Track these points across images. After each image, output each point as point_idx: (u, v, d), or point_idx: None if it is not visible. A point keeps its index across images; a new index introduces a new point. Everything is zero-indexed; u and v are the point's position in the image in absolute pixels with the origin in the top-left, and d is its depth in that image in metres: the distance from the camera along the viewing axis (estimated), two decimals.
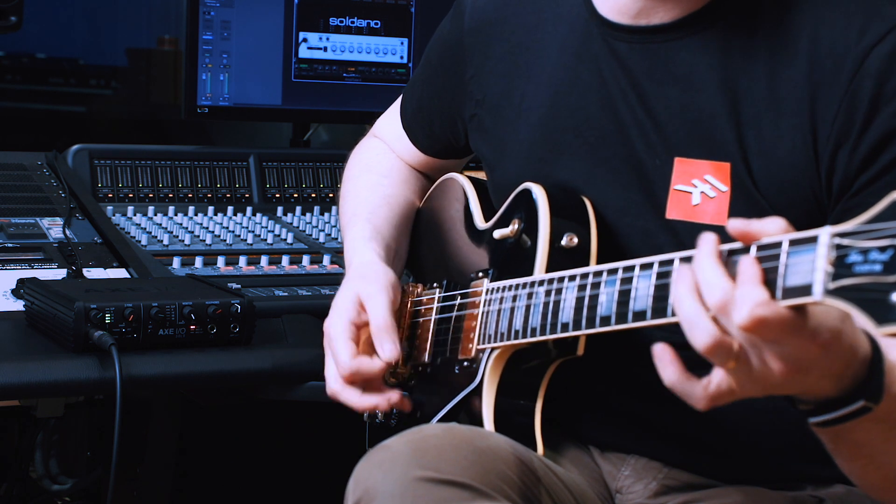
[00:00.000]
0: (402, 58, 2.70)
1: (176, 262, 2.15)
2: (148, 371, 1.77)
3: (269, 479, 2.55)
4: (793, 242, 1.07)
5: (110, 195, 2.42)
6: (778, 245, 1.08)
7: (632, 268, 1.27)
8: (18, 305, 1.90)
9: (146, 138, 3.29)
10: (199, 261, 2.15)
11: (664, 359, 1.15)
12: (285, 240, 2.33)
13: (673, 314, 1.19)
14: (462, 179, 1.75)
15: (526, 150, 1.60)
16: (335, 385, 1.59)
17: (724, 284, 1.09)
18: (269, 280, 2.12)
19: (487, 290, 1.54)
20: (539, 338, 1.41)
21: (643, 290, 1.24)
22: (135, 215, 2.37)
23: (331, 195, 2.56)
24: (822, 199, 1.39)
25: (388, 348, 1.54)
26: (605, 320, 1.29)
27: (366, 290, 1.58)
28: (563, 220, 1.48)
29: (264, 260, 2.20)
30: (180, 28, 2.98)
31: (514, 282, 1.48)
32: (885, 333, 0.98)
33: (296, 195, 2.55)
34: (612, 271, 1.30)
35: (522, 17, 1.65)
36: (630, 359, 1.50)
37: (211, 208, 2.44)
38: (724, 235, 1.14)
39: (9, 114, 3.40)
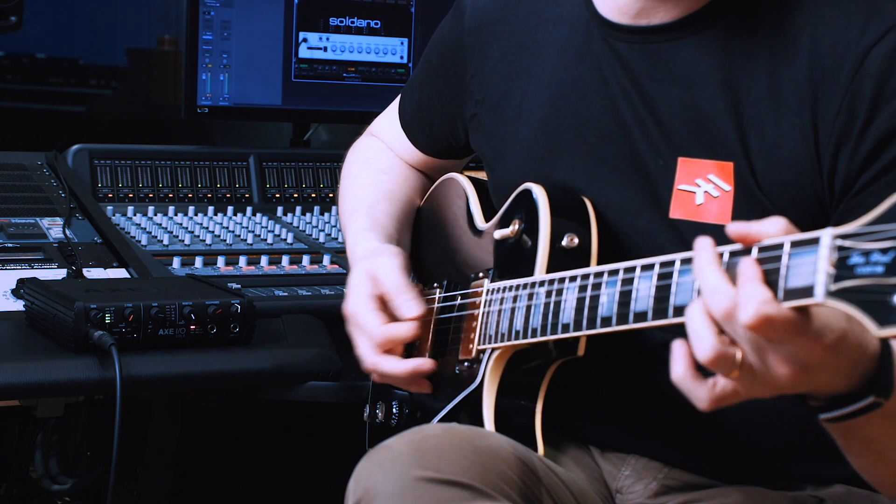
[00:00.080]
0: (402, 58, 2.70)
1: (176, 262, 2.15)
2: (148, 371, 1.77)
3: (269, 479, 2.55)
4: (794, 244, 1.07)
5: (110, 195, 2.42)
6: (779, 247, 1.08)
7: (633, 268, 1.27)
8: (18, 305, 1.90)
9: (146, 138, 3.29)
10: (199, 261, 2.15)
11: (678, 353, 1.15)
12: (285, 240, 2.33)
13: (674, 315, 1.19)
14: (462, 179, 1.75)
15: (526, 150, 1.60)
16: (372, 357, 1.57)
17: (727, 290, 1.09)
18: (269, 280, 2.12)
19: (488, 290, 1.54)
20: (540, 338, 1.41)
21: (644, 291, 1.24)
22: (135, 215, 2.37)
23: (331, 195, 2.56)
24: (825, 198, 1.39)
25: (410, 306, 1.54)
26: (606, 321, 1.29)
27: (374, 263, 1.59)
28: (563, 220, 1.48)
29: (264, 260, 2.20)
30: (180, 28, 2.98)
31: (514, 282, 1.48)
32: (886, 335, 0.98)
33: (296, 195, 2.55)
34: (613, 272, 1.30)
35: (523, 17, 1.65)
36: (631, 359, 1.50)
37: (211, 208, 2.44)
38: (726, 236, 1.14)
39: (9, 114, 3.40)
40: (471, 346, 1.54)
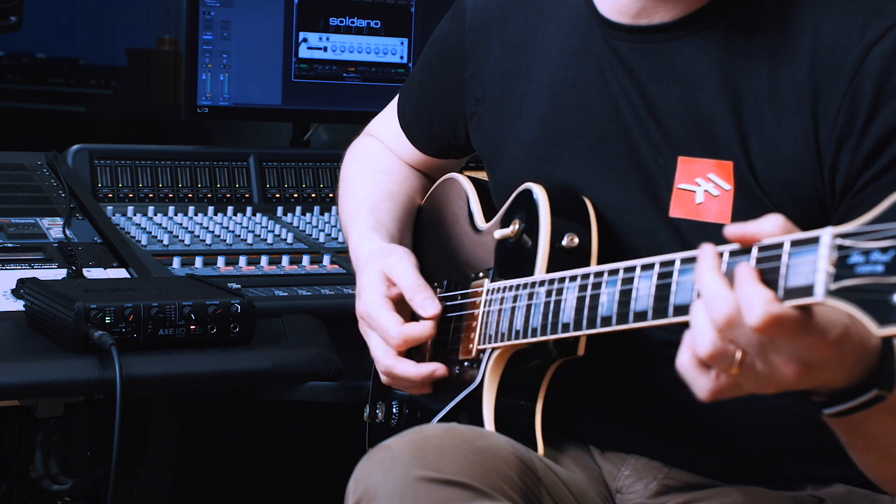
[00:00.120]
0: (402, 58, 2.70)
1: (176, 262, 2.15)
2: (148, 371, 1.77)
3: (269, 479, 2.55)
4: (794, 243, 1.06)
5: (110, 195, 2.42)
6: (779, 246, 1.08)
7: (633, 268, 1.27)
8: (18, 305, 1.90)
9: (146, 138, 3.29)
10: (199, 261, 2.15)
11: (686, 342, 1.15)
12: (285, 240, 2.33)
13: (674, 315, 1.19)
14: (462, 179, 1.75)
15: (527, 149, 1.60)
16: (388, 360, 1.57)
17: (727, 295, 1.09)
18: (269, 280, 2.12)
19: (488, 290, 1.54)
20: (540, 338, 1.41)
21: (644, 291, 1.24)
22: (135, 215, 2.37)
23: (331, 195, 2.56)
24: (825, 197, 1.39)
25: (429, 305, 1.55)
26: (606, 321, 1.29)
27: (387, 263, 1.59)
28: (563, 220, 1.48)
29: (264, 260, 2.20)
30: (180, 28, 2.98)
31: (514, 282, 1.48)
32: (886, 335, 0.98)
33: (296, 195, 2.55)
34: (613, 272, 1.30)
35: (523, 16, 1.65)
36: (631, 359, 1.50)
37: (211, 208, 2.44)
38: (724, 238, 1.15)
39: (9, 114, 3.40)
40: (471, 345, 1.54)
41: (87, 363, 1.73)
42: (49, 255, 2.08)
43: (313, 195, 2.57)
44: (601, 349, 1.44)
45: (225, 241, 2.28)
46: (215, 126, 3.21)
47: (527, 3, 1.65)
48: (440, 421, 1.56)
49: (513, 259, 1.52)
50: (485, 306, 1.53)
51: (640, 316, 1.24)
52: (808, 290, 1.04)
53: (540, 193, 1.50)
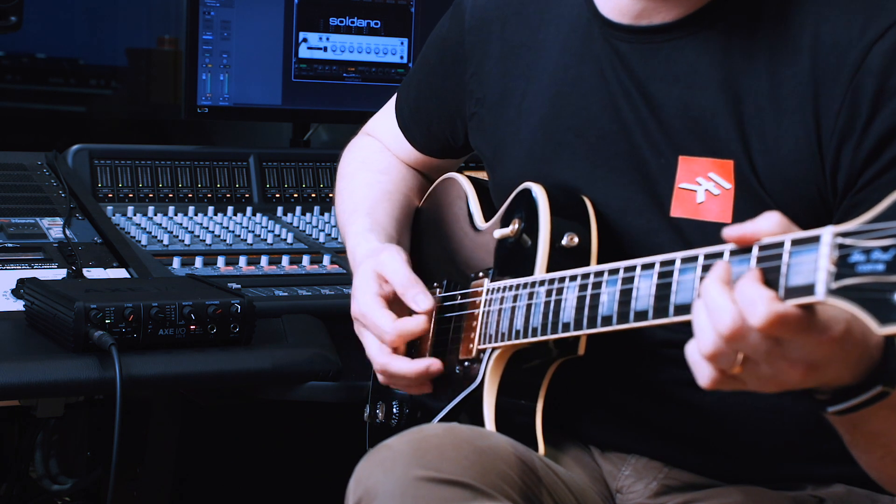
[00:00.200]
0: (402, 58, 2.70)
1: (176, 262, 2.15)
2: (148, 371, 1.77)
3: (269, 479, 2.55)
4: (795, 242, 1.06)
5: (110, 195, 2.42)
6: (780, 245, 1.08)
7: (633, 268, 1.27)
8: (18, 305, 1.90)
9: (146, 138, 3.28)
10: (199, 261, 2.15)
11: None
12: (285, 240, 2.33)
13: (675, 314, 1.19)
14: (462, 179, 1.75)
15: (527, 149, 1.60)
16: (383, 358, 1.57)
17: (730, 306, 1.09)
18: (269, 280, 2.12)
19: (488, 289, 1.54)
20: (540, 338, 1.41)
21: (645, 290, 1.24)
22: (135, 215, 2.37)
23: (331, 195, 2.56)
24: (827, 195, 1.39)
25: (421, 300, 1.55)
26: (607, 320, 1.29)
27: (378, 262, 1.59)
28: (563, 219, 1.48)
29: (264, 260, 2.20)
30: (180, 28, 2.98)
31: (514, 281, 1.48)
32: (887, 333, 0.98)
33: (296, 195, 2.55)
34: (614, 271, 1.30)
35: (524, 16, 1.64)
36: (631, 358, 1.50)
37: (211, 208, 2.44)
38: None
39: (9, 114, 3.40)
40: (471, 345, 1.54)
41: (87, 363, 1.73)
42: (49, 255, 2.08)
43: (313, 195, 2.57)
44: (602, 349, 1.44)
45: (225, 241, 2.28)
46: (215, 126, 3.21)
47: (526, 4, 1.65)
48: (440, 421, 1.56)
49: (512, 259, 1.52)
50: (485, 306, 1.53)
51: (641, 315, 1.24)
52: (809, 290, 1.03)
53: (539, 193, 1.50)
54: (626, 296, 1.26)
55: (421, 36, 2.68)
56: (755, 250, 1.10)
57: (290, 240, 2.33)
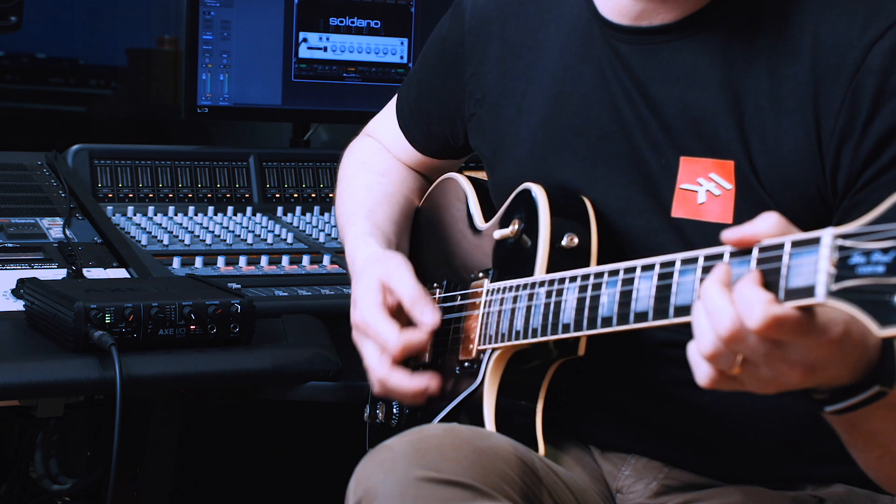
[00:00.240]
0: (402, 58, 2.70)
1: (176, 262, 2.15)
2: (148, 371, 1.77)
3: (269, 479, 2.55)
4: (795, 244, 1.06)
5: (110, 195, 2.42)
6: (780, 247, 1.08)
7: (633, 269, 1.27)
8: (18, 305, 1.90)
9: (146, 138, 3.28)
10: (199, 261, 2.15)
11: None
12: (285, 240, 2.33)
13: (675, 315, 1.19)
14: (462, 179, 1.75)
15: (527, 149, 1.60)
16: (382, 370, 1.55)
17: (729, 308, 1.09)
18: (269, 280, 2.12)
19: (488, 290, 1.54)
20: (540, 338, 1.41)
21: (644, 291, 1.24)
22: (135, 215, 2.37)
23: (331, 195, 2.56)
24: (827, 195, 1.40)
25: (429, 314, 1.53)
26: (607, 321, 1.29)
27: (385, 271, 1.57)
28: (563, 220, 1.48)
29: (264, 260, 2.20)
30: (180, 28, 2.98)
31: (514, 282, 1.48)
32: (887, 335, 0.98)
33: (296, 195, 2.55)
34: (614, 272, 1.30)
35: (524, 16, 1.65)
36: (631, 359, 1.50)
37: (211, 208, 2.44)
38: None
39: (9, 114, 3.40)
40: (471, 346, 1.54)
41: (87, 363, 1.73)
42: (49, 255, 2.08)
43: (313, 195, 2.57)
44: (602, 349, 1.44)
45: (225, 241, 2.28)
46: (215, 126, 3.21)
47: (526, 4, 1.65)
48: (440, 421, 1.56)
49: (512, 259, 1.52)
50: (485, 307, 1.53)
51: (641, 317, 1.24)
52: (809, 291, 1.04)
53: (539, 193, 1.50)
54: (626, 297, 1.27)
55: (421, 36, 2.68)
56: (755, 252, 1.10)
57: (290, 240, 2.33)
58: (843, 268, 1.01)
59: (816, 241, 1.04)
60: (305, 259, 2.21)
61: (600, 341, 1.39)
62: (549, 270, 1.45)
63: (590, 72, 1.54)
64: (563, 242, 1.47)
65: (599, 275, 1.32)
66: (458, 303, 1.60)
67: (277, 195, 2.54)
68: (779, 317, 1.05)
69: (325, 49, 2.64)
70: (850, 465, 1.30)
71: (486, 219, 1.65)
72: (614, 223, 1.49)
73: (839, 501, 1.48)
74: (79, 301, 1.73)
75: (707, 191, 1.43)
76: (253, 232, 2.32)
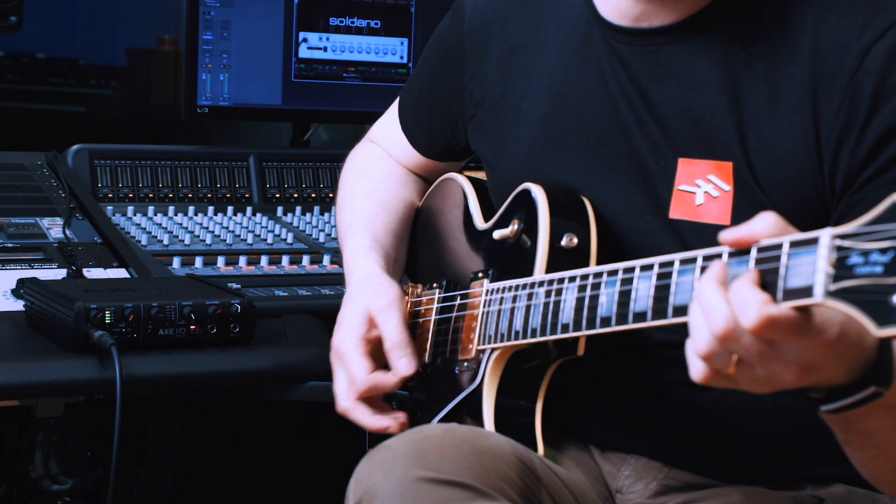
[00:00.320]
0: (402, 58, 2.70)
1: (176, 262, 2.15)
2: (148, 371, 1.77)
3: (269, 479, 2.55)
4: (793, 244, 1.07)
5: (110, 195, 2.42)
6: (778, 247, 1.08)
7: (632, 269, 1.27)
8: (18, 305, 1.90)
9: (146, 138, 3.29)
10: (199, 261, 2.15)
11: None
12: (285, 240, 2.33)
13: (673, 315, 1.19)
14: (461, 179, 1.75)
15: (526, 150, 1.60)
16: (346, 403, 1.59)
17: (724, 307, 1.09)
18: (269, 280, 2.12)
19: (487, 290, 1.54)
20: (539, 338, 1.41)
21: (643, 291, 1.24)
22: (135, 215, 2.37)
23: (331, 195, 2.56)
24: (825, 196, 1.40)
25: (405, 363, 1.55)
26: (606, 321, 1.30)
27: (376, 305, 1.58)
28: (562, 220, 1.48)
29: (264, 260, 2.20)
30: (180, 28, 2.98)
31: (514, 282, 1.48)
32: (885, 335, 0.98)
33: (296, 195, 2.55)
34: (613, 272, 1.30)
35: (523, 17, 1.65)
36: (630, 359, 1.50)
37: (211, 208, 2.44)
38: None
39: (9, 114, 3.40)
40: (470, 346, 1.54)
41: (87, 363, 1.73)
42: (49, 255, 2.08)
43: (313, 195, 2.57)
44: (601, 349, 1.44)
45: (225, 241, 2.28)
46: (215, 126, 3.22)
47: (526, 4, 1.65)
48: (440, 421, 1.56)
49: (512, 259, 1.52)
50: (484, 307, 1.53)
51: (640, 317, 1.24)
52: (807, 291, 1.04)
53: (539, 193, 1.50)
54: (624, 297, 1.27)
55: (421, 36, 2.68)
56: (753, 252, 1.10)
57: (290, 240, 2.33)
58: (842, 268, 1.01)
59: (815, 241, 1.04)
60: (305, 259, 2.21)
61: (600, 341, 1.39)
62: (548, 270, 1.45)
63: (589, 72, 1.54)
64: (563, 242, 1.47)
65: (598, 275, 1.32)
66: (457, 302, 1.60)
67: (277, 195, 2.54)
68: (774, 317, 1.05)
69: (325, 49, 2.64)
70: (850, 465, 1.30)
71: (486, 219, 1.65)
72: (613, 224, 1.50)
73: (839, 501, 1.48)
74: (79, 301, 1.73)
75: (705, 192, 1.43)
76: (253, 232, 2.32)
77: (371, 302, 1.59)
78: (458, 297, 1.61)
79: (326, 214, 2.50)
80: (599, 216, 1.50)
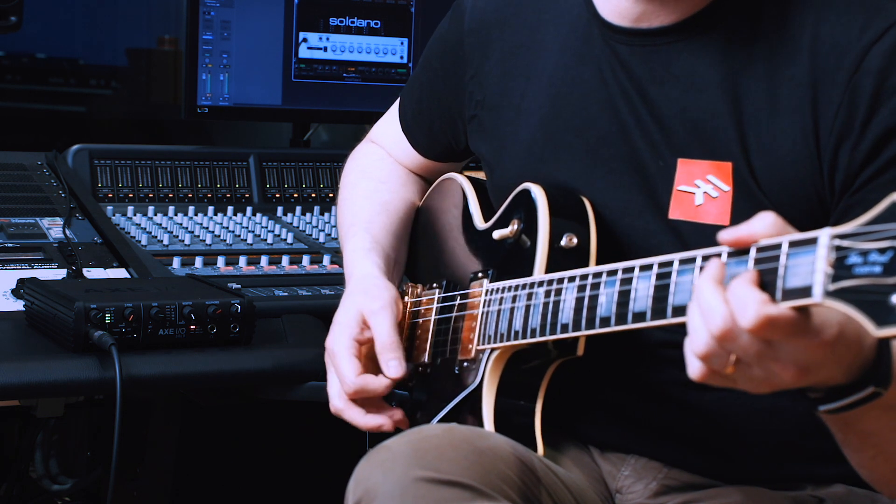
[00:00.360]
0: (402, 58, 2.70)
1: (176, 262, 2.15)
2: (148, 371, 1.77)
3: (269, 479, 2.55)
4: (792, 244, 1.07)
5: (110, 195, 2.42)
6: (777, 247, 1.08)
7: (631, 269, 1.27)
8: (18, 305, 1.90)
9: (146, 138, 3.29)
10: (199, 261, 2.15)
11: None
12: (285, 240, 2.33)
13: (673, 315, 1.19)
14: (461, 179, 1.75)
15: (526, 150, 1.60)
16: (339, 403, 1.60)
17: (722, 308, 1.09)
18: (269, 280, 2.12)
19: (487, 290, 1.54)
20: (539, 338, 1.41)
21: (643, 291, 1.24)
22: (135, 215, 2.37)
23: (331, 195, 2.56)
24: (825, 196, 1.40)
25: (395, 366, 1.55)
26: (605, 321, 1.30)
27: (369, 307, 1.59)
28: (562, 220, 1.48)
29: (264, 260, 2.20)
30: (180, 28, 2.98)
31: (513, 282, 1.48)
32: (884, 335, 0.98)
33: (296, 195, 2.55)
34: (612, 272, 1.30)
35: (523, 17, 1.65)
36: (630, 359, 1.50)
37: (211, 208, 2.44)
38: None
39: (9, 114, 3.40)
40: (470, 346, 1.54)
41: (87, 363, 1.73)
42: (49, 255, 2.08)
43: (313, 195, 2.57)
44: (600, 349, 1.44)
45: (225, 241, 2.28)
46: (215, 126, 3.21)
47: (526, 5, 1.65)
48: (440, 421, 1.57)
49: (511, 259, 1.52)
50: (484, 307, 1.53)
51: (639, 317, 1.24)
52: (806, 291, 1.04)
53: (538, 193, 1.50)
54: (624, 297, 1.27)
55: (421, 36, 2.68)
56: (752, 252, 1.10)
57: (290, 240, 2.33)
58: (841, 268, 1.01)
59: (814, 241, 1.04)
60: (305, 259, 2.21)
61: (599, 341, 1.39)
62: (548, 270, 1.45)
63: (589, 73, 1.54)
64: (563, 242, 1.47)
65: (598, 275, 1.32)
66: (457, 302, 1.60)
67: (277, 195, 2.54)
68: (772, 317, 1.05)
69: (325, 49, 2.64)
70: (850, 465, 1.30)
71: (486, 219, 1.65)
72: (613, 224, 1.50)
73: (839, 501, 1.48)
74: (79, 301, 1.74)
75: (705, 192, 1.43)
76: (253, 232, 2.32)
77: (364, 304, 1.60)
78: (458, 297, 1.61)
79: (326, 214, 2.50)
80: (599, 216, 1.50)
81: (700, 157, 1.44)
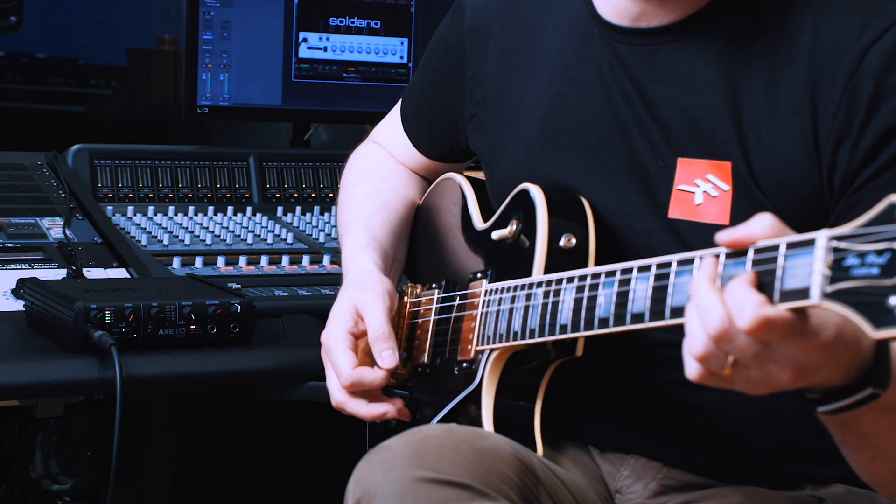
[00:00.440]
0: (402, 58, 2.70)
1: (176, 262, 2.15)
2: (148, 371, 1.77)
3: (269, 479, 2.55)
4: (790, 245, 1.07)
5: (110, 195, 2.42)
6: (775, 248, 1.08)
7: (630, 270, 1.27)
8: (18, 305, 1.91)
9: (146, 138, 3.29)
10: (199, 261, 2.15)
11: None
12: (285, 240, 2.33)
13: (671, 316, 1.19)
14: (460, 179, 1.76)
15: (525, 149, 1.60)
16: (340, 396, 1.60)
17: (719, 308, 1.09)
18: (269, 280, 2.12)
19: (486, 291, 1.54)
20: (538, 339, 1.41)
21: (641, 292, 1.24)
22: (135, 215, 2.37)
23: (331, 195, 2.56)
24: (824, 196, 1.40)
25: (387, 356, 1.54)
26: (604, 322, 1.30)
27: (362, 299, 1.59)
28: (561, 220, 1.48)
29: (264, 260, 2.20)
30: (180, 28, 2.98)
31: (512, 283, 1.48)
32: (882, 337, 0.98)
33: (296, 195, 2.55)
34: (611, 273, 1.30)
35: (523, 17, 1.65)
36: (629, 359, 1.50)
37: (211, 208, 2.45)
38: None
39: (9, 114, 3.41)
40: (469, 346, 1.54)
41: (87, 363, 1.73)
42: (49, 255, 2.08)
43: (313, 195, 2.57)
44: (600, 350, 1.44)
45: (225, 241, 2.28)
46: (215, 126, 3.22)
47: (525, 4, 1.65)
48: (439, 421, 1.57)
49: (510, 260, 1.53)
50: (483, 307, 1.53)
51: (638, 318, 1.24)
52: (803, 293, 1.04)
53: (537, 194, 1.50)
54: (622, 298, 1.27)
55: (421, 36, 2.68)
56: (750, 253, 1.10)
57: (290, 240, 2.33)
58: (838, 269, 1.01)
59: (811, 242, 1.04)
60: (305, 259, 2.21)
61: (598, 342, 1.39)
62: (547, 271, 1.45)
63: (589, 72, 1.54)
64: (561, 243, 1.47)
65: (596, 275, 1.32)
66: (456, 303, 1.60)
67: (277, 195, 2.54)
68: (769, 318, 1.05)
69: (325, 49, 2.64)
70: (849, 465, 1.30)
71: (485, 219, 1.65)
72: (612, 224, 1.50)
73: (839, 501, 1.48)
74: (79, 301, 1.74)
75: (704, 192, 1.43)
76: (253, 232, 2.32)
77: (357, 296, 1.59)
78: (458, 298, 1.61)
79: (326, 214, 2.50)
80: (598, 216, 1.50)
81: (699, 157, 1.44)
